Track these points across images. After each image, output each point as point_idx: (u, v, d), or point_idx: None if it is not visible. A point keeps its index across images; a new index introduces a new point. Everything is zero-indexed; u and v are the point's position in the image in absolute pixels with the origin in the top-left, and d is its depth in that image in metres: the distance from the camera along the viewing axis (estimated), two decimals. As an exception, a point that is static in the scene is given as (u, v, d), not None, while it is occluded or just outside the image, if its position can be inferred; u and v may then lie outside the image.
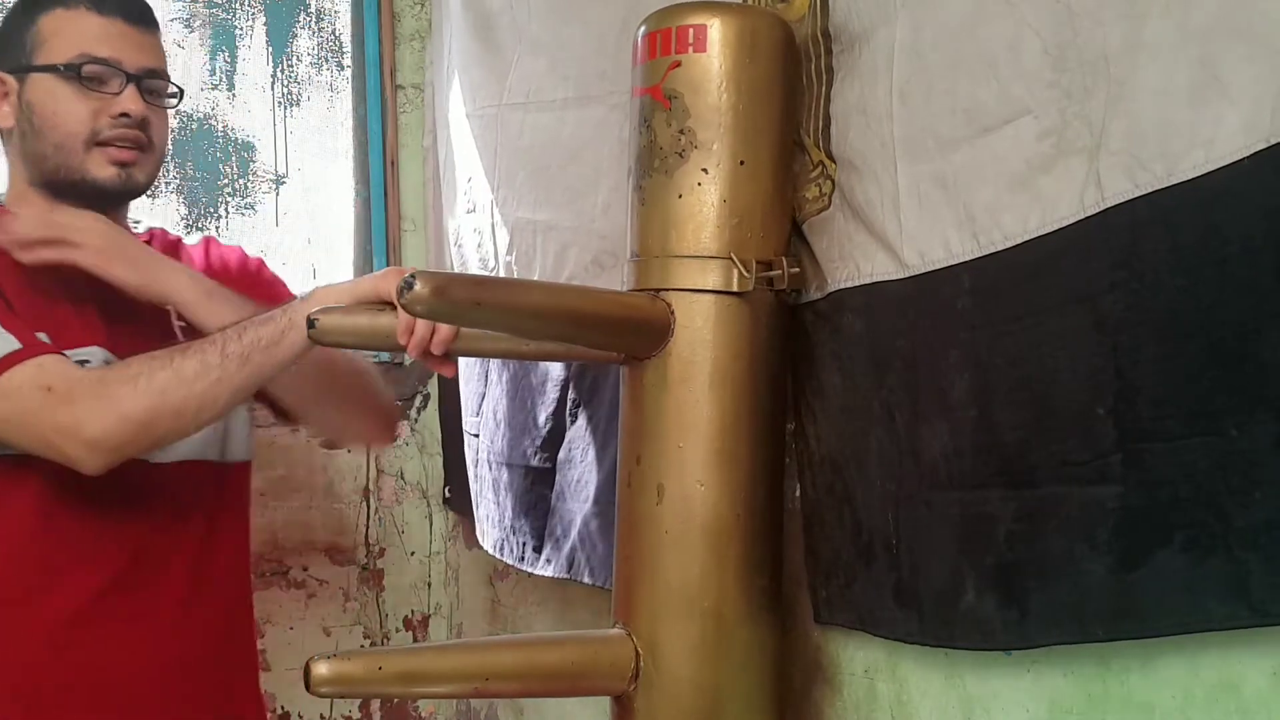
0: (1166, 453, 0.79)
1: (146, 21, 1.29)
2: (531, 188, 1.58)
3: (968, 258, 0.95)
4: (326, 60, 2.17)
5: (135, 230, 1.38)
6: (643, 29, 1.12)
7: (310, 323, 1.13)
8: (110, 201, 1.28)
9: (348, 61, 2.17)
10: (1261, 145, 0.72)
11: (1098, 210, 0.83)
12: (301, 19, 2.14)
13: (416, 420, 2.17)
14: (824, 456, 1.12)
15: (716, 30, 1.07)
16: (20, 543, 1.21)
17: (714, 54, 1.07)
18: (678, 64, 1.08)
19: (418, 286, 0.93)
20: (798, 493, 1.16)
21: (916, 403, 0.99)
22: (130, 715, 1.24)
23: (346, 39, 2.17)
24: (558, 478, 1.48)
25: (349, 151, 2.17)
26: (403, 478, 2.16)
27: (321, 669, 0.97)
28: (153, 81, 1.28)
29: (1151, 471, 0.80)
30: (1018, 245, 0.90)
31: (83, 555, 1.23)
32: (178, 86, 1.32)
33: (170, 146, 1.34)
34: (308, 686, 0.97)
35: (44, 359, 1.14)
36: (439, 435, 2.13)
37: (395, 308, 1.09)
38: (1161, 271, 0.79)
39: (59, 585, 1.22)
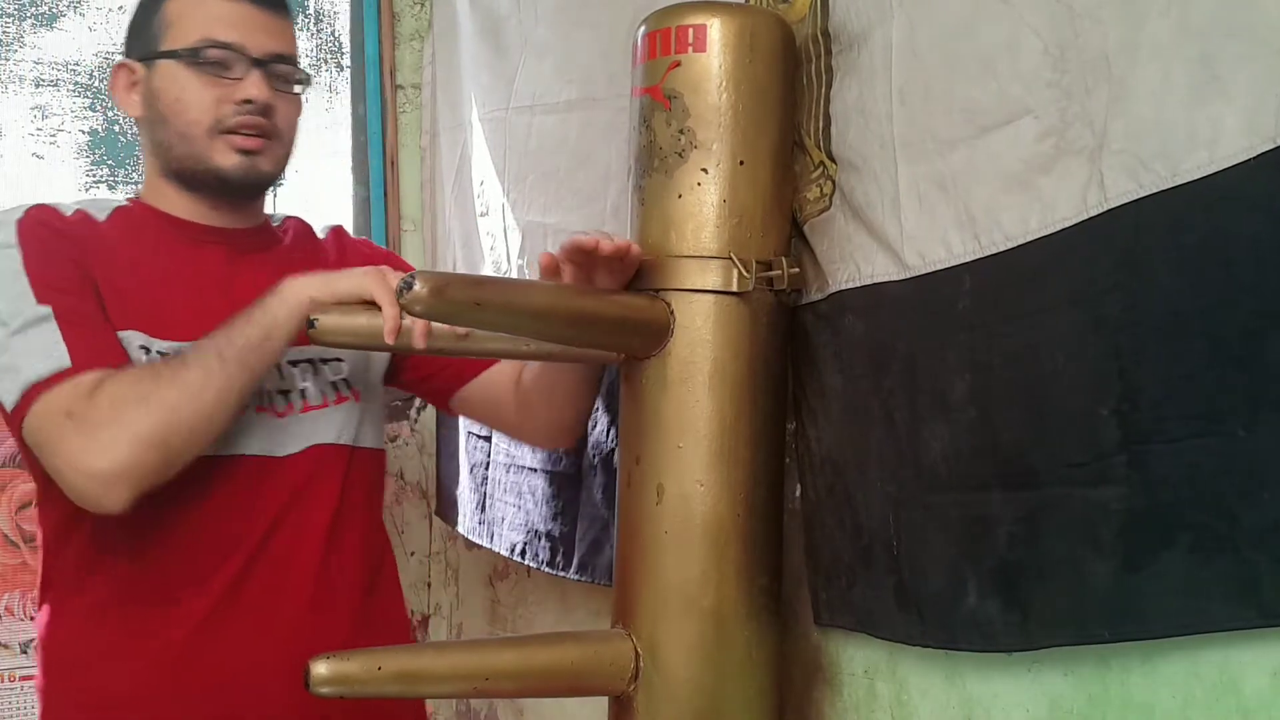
0: (1171, 454, 0.79)
1: (275, 5, 1.26)
2: (541, 190, 1.58)
3: (968, 258, 0.95)
4: (326, 60, 2.17)
5: (272, 221, 1.37)
6: (643, 29, 1.12)
7: (310, 323, 1.13)
8: (236, 192, 1.25)
9: (347, 62, 2.18)
10: (1266, 147, 0.72)
11: (1101, 210, 0.83)
12: (300, 20, 2.14)
13: (416, 420, 2.17)
14: (824, 457, 1.11)
15: (716, 30, 1.07)
16: (158, 541, 1.19)
17: (714, 54, 1.07)
18: (677, 64, 1.08)
19: (417, 286, 0.92)
20: (798, 493, 1.16)
21: (917, 404, 0.99)
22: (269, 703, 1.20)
23: (346, 39, 2.18)
24: (582, 483, 1.47)
25: (348, 151, 2.17)
26: (403, 478, 2.17)
27: (321, 668, 0.97)
28: (279, 67, 1.24)
29: (1156, 472, 0.80)
30: (1019, 246, 0.90)
31: (216, 553, 1.21)
32: (305, 73, 1.29)
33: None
34: (307, 685, 0.97)
35: (83, 378, 1.09)
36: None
37: (379, 307, 1.09)
38: (1165, 272, 0.79)
39: (191, 586, 1.20)
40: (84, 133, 2.00)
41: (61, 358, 1.10)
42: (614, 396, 1.40)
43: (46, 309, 1.12)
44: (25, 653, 1.89)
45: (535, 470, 1.57)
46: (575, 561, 1.50)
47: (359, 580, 1.30)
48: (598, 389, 1.37)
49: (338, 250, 1.38)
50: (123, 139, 2.02)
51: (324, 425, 1.27)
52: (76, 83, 2.00)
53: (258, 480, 1.22)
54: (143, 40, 1.25)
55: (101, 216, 1.25)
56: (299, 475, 1.25)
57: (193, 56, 1.20)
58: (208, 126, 1.21)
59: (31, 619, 1.89)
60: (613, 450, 1.41)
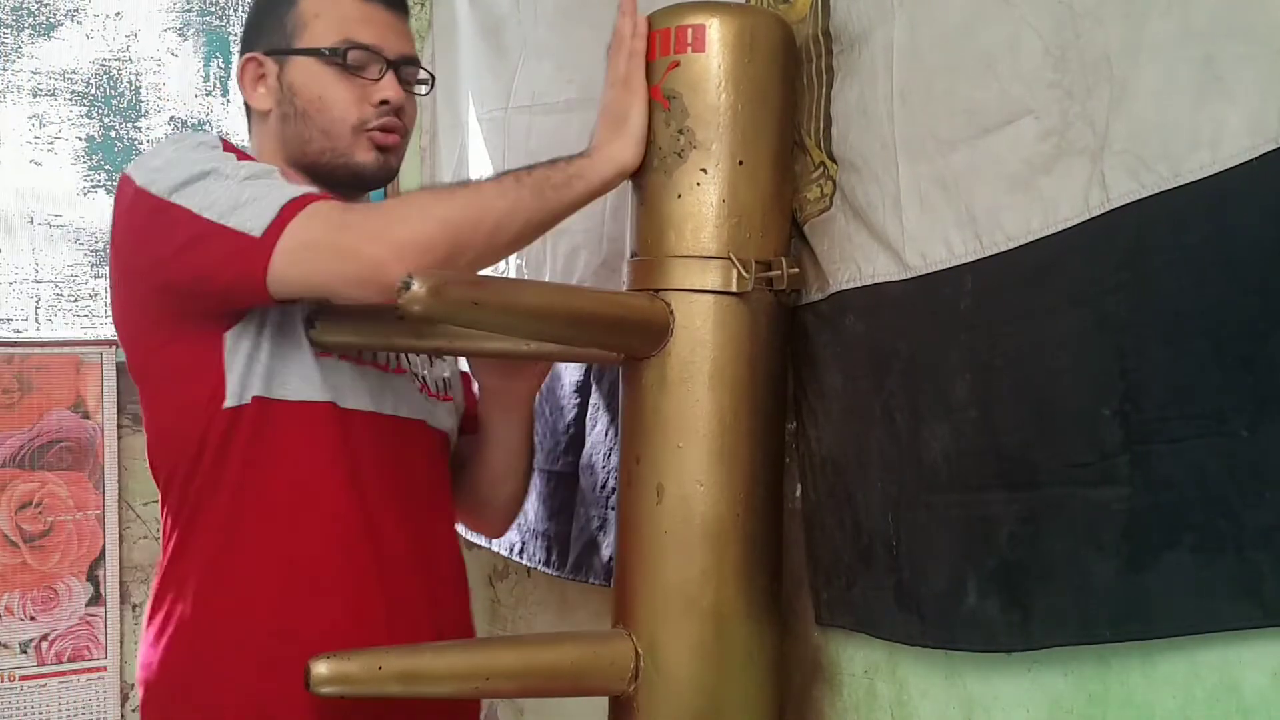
0: (1174, 454, 0.79)
1: (402, 7, 1.31)
2: (540, 191, 1.57)
3: (970, 258, 0.95)
4: (325, 60, 2.17)
5: None
6: (642, 29, 1.12)
7: (310, 323, 1.13)
8: (369, 187, 1.29)
9: (347, 61, 2.18)
10: (1269, 147, 0.72)
11: (1103, 211, 0.83)
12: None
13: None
14: (825, 458, 1.11)
15: (715, 30, 1.07)
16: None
17: (713, 54, 1.07)
18: (677, 64, 1.08)
19: (415, 286, 0.92)
20: (798, 493, 1.16)
21: (918, 404, 0.99)
22: None
23: (345, 39, 2.18)
24: (581, 482, 1.47)
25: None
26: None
27: (321, 668, 0.97)
28: (409, 69, 1.29)
29: (1159, 472, 0.80)
30: (1021, 246, 0.90)
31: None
32: (429, 72, 1.33)
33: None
34: (307, 685, 0.97)
35: (338, 204, 1.11)
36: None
37: (378, 309, 1.11)
38: (1167, 272, 0.79)
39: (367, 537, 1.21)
40: (81, 139, 2.01)
41: (308, 189, 1.12)
42: (615, 396, 1.40)
43: (273, 167, 1.16)
44: (25, 652, 1.89)
45: (534, 470, 1.57)
46: (570, 561, 1.50)
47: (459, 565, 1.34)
48: (526, 474, 1.42)
49: None
50: (119, 145, 2.03)
51: (442, 414, 1.32)
52: (73, 91, 2.00)
53: (415, 442, 1.27)
54: (274, 35, 1.26)
55: None
56: (438, 449, 1.31)
57: (335, 56, 1.23)
58: (352, 125, 1.23)
59: (33, 619, 1.89)
60: (611, 450, 1.42)
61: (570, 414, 1.50)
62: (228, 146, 1.18)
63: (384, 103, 1.23)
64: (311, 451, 1.18)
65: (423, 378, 1.31)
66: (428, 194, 1.14)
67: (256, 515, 1.17)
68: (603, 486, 1.43)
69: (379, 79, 1.24)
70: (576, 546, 1.49)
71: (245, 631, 1.16)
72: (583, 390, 1.48)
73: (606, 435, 1.43)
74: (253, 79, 1.27)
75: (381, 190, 1.96)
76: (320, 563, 1.17)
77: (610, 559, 1.39)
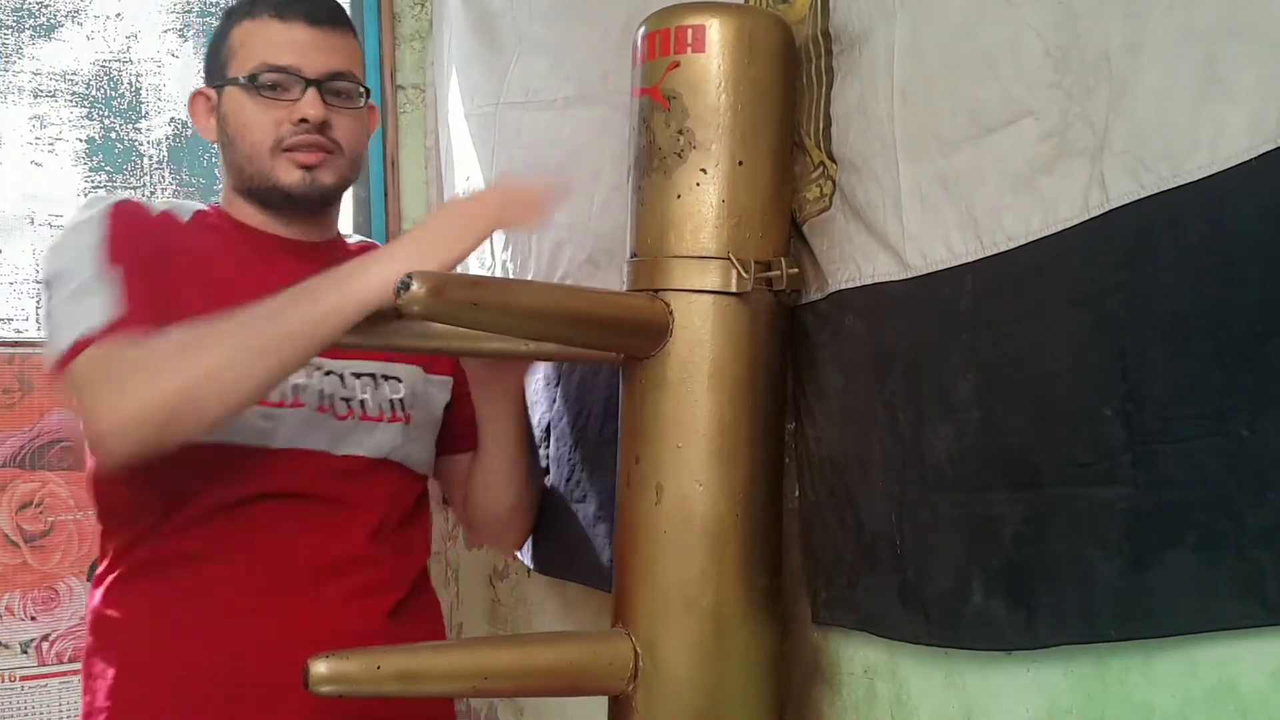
0: (1176, 453, 0.79)
1: (330, 23, 1.30)
2: (530, 187, 1.57)
3: (971, 258, 0.95)
4: (326, 60, 2.17)
5: (347, 241, 1.42)
6: (642, 29, 1.12)
7: None
8: (301, 204, 1.30)
9: (347, 62, 2.18)
10: (1268, 147, 0.72)
11: (1102, 211, 0.83)
12: (300, 20, 2.14)
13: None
14: (824, 458, 1.11)
15: (715, 31, 1.07)
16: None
17: (713, 54, 1.07)
18: (676, 64, 1.08)
19: (415, 286, 0.92)
20: (798, 493, 1.16)
21: (919, 404, 0.99)
22: None
23: (345, 39, 2.18)
24: (550, 478, 1.48)
25: (348, 152, 2.17)
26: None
27: (320, 667, 0.97)
28: (335, 84, 1.29)
29: (1161, 472, 0.80)
30: (1021, 246, 0.90)
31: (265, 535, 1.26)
32: (364, 87, 1.33)
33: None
34: (306, 685, 0.97)
35: (130, 334, 1.11)
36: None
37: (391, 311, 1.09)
38: (1167, 273, 0.79)
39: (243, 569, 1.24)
40: (81, 140, 2.01)
41: (116, 312, 1.14)
42: (583, 389, 1.41)
43: (117, 271, 1.17)
44: (26, 652, 1.89)
45: (541, 480, 1.58)
46: (534, 556, 1.51)
47: (390, 595, 1.32)
48: (527, 481, 1.42)
49: None
50: (119, 145, 2.03)
51: (379, 437, 1.31)
52: (74, 92, 2.01)
53: (314, 474, 1.26)
54: (214, 68, 1.32)
55: (184, 218, 1.32)
56: (350, 477, 1.29)
57: (251, 82, 1.26)
58: (269, 146, 1.27)
59: (33, 619, 1.89)
60: (575, 443, 1.42)
61: (542, 407, 1.50)
62: (119, 218, 1.22)
63: (303, 121, 1.25)
64: None
65: (362, 402, 1.31)
66: (157, 360, 1.09)
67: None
68: (567, 480, 1.43)
69: (299, 99, 1.26)
70: (542, 541, 1.49)
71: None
72: (552, 384, 1.49)
73: (571, 430, 1.43)
74: (202, 113, 1.33)
75: (382, 208, 1.97)
76: None
77: (572, 553, 1.40)
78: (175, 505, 1.23)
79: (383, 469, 1.32)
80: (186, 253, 1.26)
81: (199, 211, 1.34)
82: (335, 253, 1.36)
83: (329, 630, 1.20)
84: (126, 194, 1.33)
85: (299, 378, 1.24)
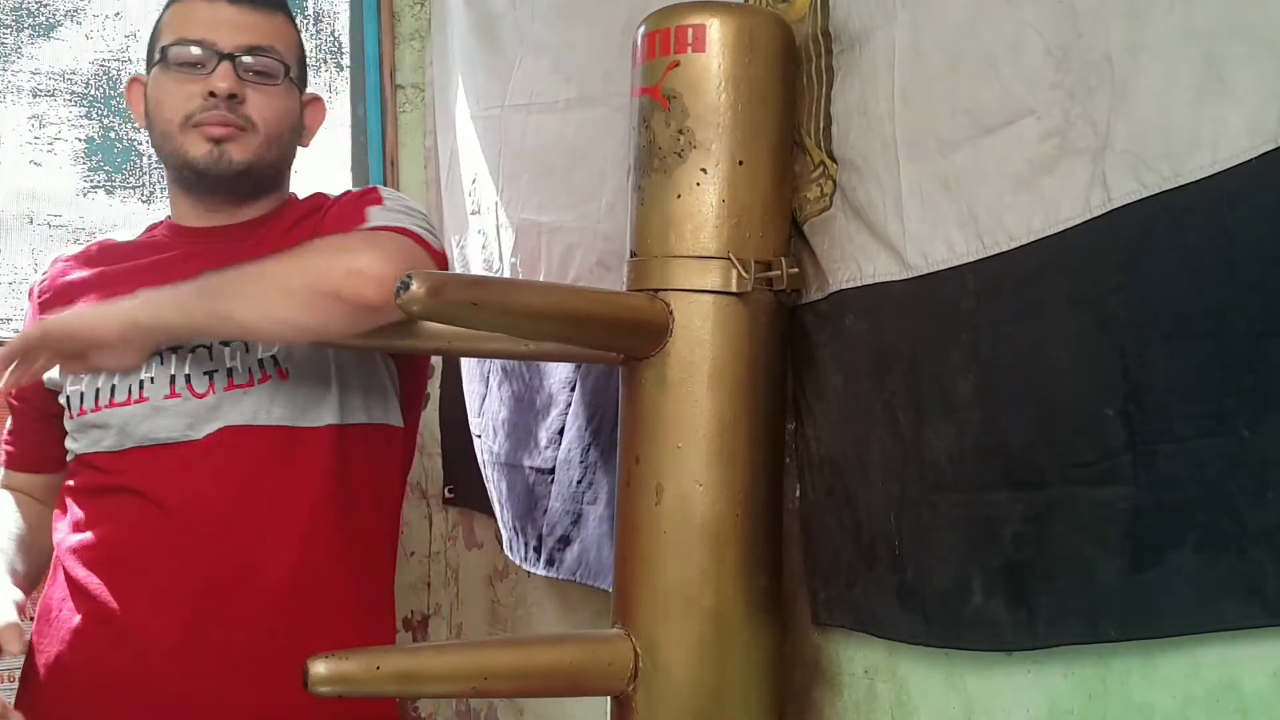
0: (1177, 454, 0.79)
1: (262, 1, 1.28)
2: (536, 189, 1.57)
3: (972, 258, 0.95)
4: (325, 61, 2.17)
5: (299, 201, 1.36)
6: (642, 29, 1.12)
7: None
8: (214, 183, 1.27)
9: (347, 62, 2.17)
10: (1269, 147, 0.72)
11: (1104, 211, 0.83)
12: (300, 20, 2.13)
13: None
14: (824, 458, 1.11)
15: (715, 30, 1.07)
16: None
17: (713, 54, 1.07)
18: (676, 64, 1.08)
19: (414, 286, 0.92)
20: (798, 493, 1.16)
21: (920, 404, 0.99)
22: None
23: (345, 39, 2.17)
24: (557, 477, 1.48)
25: (348, 152, 2.17)
26: (402, 478, 2.16)
27: (319, 668, 0.96)
28: (251, 59, 1.26)
29: (1162, 472, 0.80)
30: (1022, 246, 0.90)
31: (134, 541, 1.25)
32: (283, 63, 1.28)
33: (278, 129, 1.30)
34: (305, 685, 0.96)
35: None
36: (439, 436, 2.12)
37: None
38: (1169, 272, 0.79)
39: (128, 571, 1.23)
40: (80, 140, 2.01)
41: None
42: (597, 393, 1.41)
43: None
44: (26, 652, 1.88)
45: (517, 467, 1.58)
46: (543, 558, 1.51)
47: (290, 570, 1.23)
48: None
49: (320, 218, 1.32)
50: (118, 145, 2.03)
51: (244, 406, 1.22)
52: (73, 92, 2.00)
53: (171, 465, 1.22)
54: (149, 54, 1.30)
55: (132, 235, 1.34)
56: (212, 457, 1.22)
57: (164, 57, 1.25)
58: (179, 122, 1.25)
59: (31, 619, 1.89)
60: (588, 446, 1.42)
61: (558, 409, 1.50)
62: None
63: (211, 95, 1.23)
64: None
65: (230, 370, 1.22)
66: None
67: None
68: (578, 482, 1.43)
69: (211, 72, 1.24)
70: (549, 542, 1.49)
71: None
72: (571, 386, 1.49)
73: (585, 431, 1.43)
74: (136, 100, 1.32)
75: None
76: None
77: (581, 555, 1.40)
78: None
79: (248, 437, 1.22)
80: (100, 279, 1.28)
81: (151, 226, 1.35)
82: (250, 233, 1.30)
83: (183, 633, 1.19)
84: (56, 253, 1.37)
85: (149, 370, 1.22)
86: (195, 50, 1.24)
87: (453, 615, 2.15)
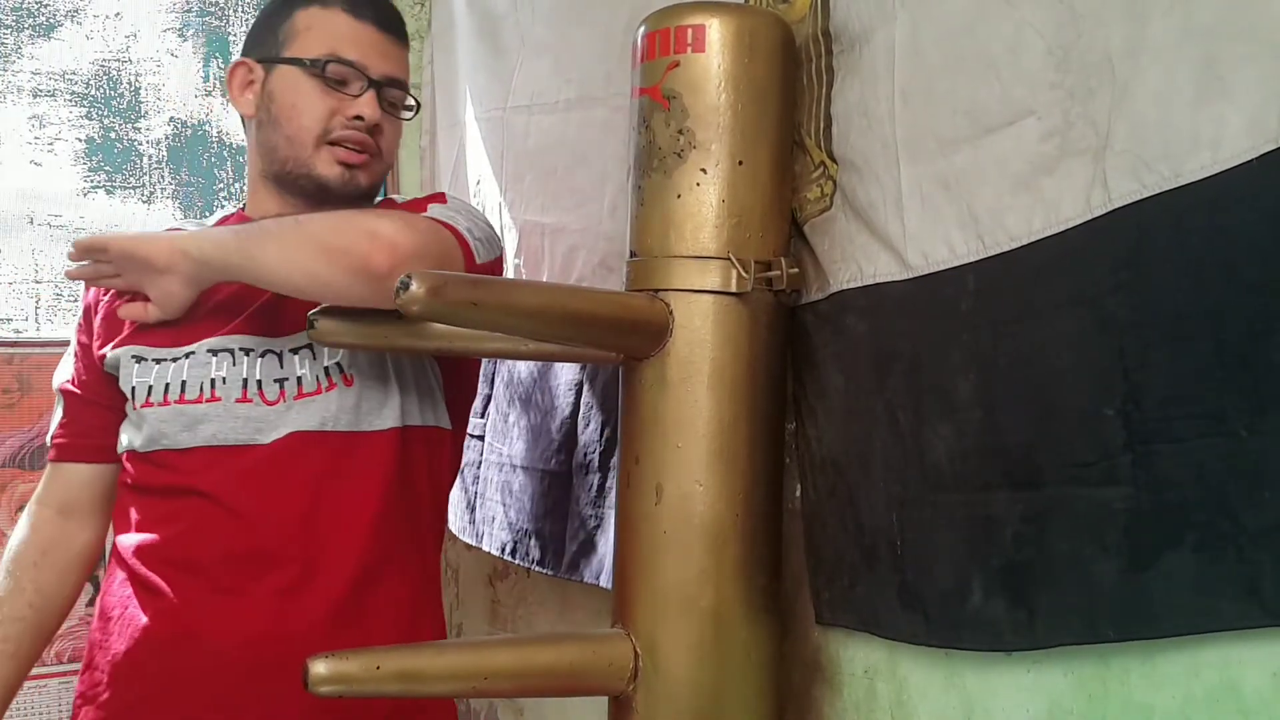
0: (1176, 454, 0.79)
1: (396, 32, 1.32)
2: (539, 190, 1.57)
3: (972, 258, 0.95)
4: (325, 60, 2.17)
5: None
6: (642, 29, 1.12)
7: (310, 323, 1.13)
8: (333, 200, 1.28)
9: (347, 61, 2.17)
10: (1269, 147, 0.72)
11: (1104, 211, 0.83)
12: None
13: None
14: (825, 458, 1.11)
15: (715, 30, 1.07)
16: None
17: (713, 54, 1.07)
18: (676, 64, 1.08)
19: (414, 286, 0.92)
20: (798, 493, 1.16)
21: (920, 404, 0.99)
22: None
23: (345, 39, 2.17)
24: (575, 482, 1.47)
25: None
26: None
27: (320, 667, 0.97)
28: (393, 91, 1.30)
29: (1161, 472, 0.80)
30: (1023, 246, 0.90)
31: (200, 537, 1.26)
32: (415, 99, 1.35)
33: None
34: (305, 685, 0.97)
35: None
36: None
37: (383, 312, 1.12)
38: (1168, 273, 0.79)
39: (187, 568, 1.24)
40: (80, 140, 2.01)
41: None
42: (609, 395, 1.41)
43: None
44: (24, 653, 1.88)
45: (527, 469, 1.57)
46: (565, 561, 1.50)
47: (354, 570, 1.24)
48: None
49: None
50: (118, 145, 2.03)
51: (311, 411, 1.24)
52: (73, 92, 2.01)
53: (239, 467, 1.23)
54: (265, 44, 1.30)
55: (200, 228, 1.33)
56: (279, 461, 1.23)
57: (315, 67, 1.25)
58: (316, 134, 1.26)
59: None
60: (606, 450, 1.42)
61: (564, 412, 1.50)
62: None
63: (358, 118, 1.25)
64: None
65: (300, 379, 1.24)
66: None
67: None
68: (599, 487, 1.42)
69: (359, 95, 1.26)
70: (572, 546, 1.49)
71: None
72: (578, 389, 1.48)
73: (601, 434, 1.42)
74: (240, 84, 1.31)
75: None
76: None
77: (605, 559, 1.39)
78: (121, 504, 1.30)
79: (314, 443, 1.24)
80: None
81: (224, 215, 1.36)
82: None
83: (250, 632, 1.20)
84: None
85: (220, 370, 1.24)
86: (347, 69, 1.26)
87: (453, 615, 2.15)
